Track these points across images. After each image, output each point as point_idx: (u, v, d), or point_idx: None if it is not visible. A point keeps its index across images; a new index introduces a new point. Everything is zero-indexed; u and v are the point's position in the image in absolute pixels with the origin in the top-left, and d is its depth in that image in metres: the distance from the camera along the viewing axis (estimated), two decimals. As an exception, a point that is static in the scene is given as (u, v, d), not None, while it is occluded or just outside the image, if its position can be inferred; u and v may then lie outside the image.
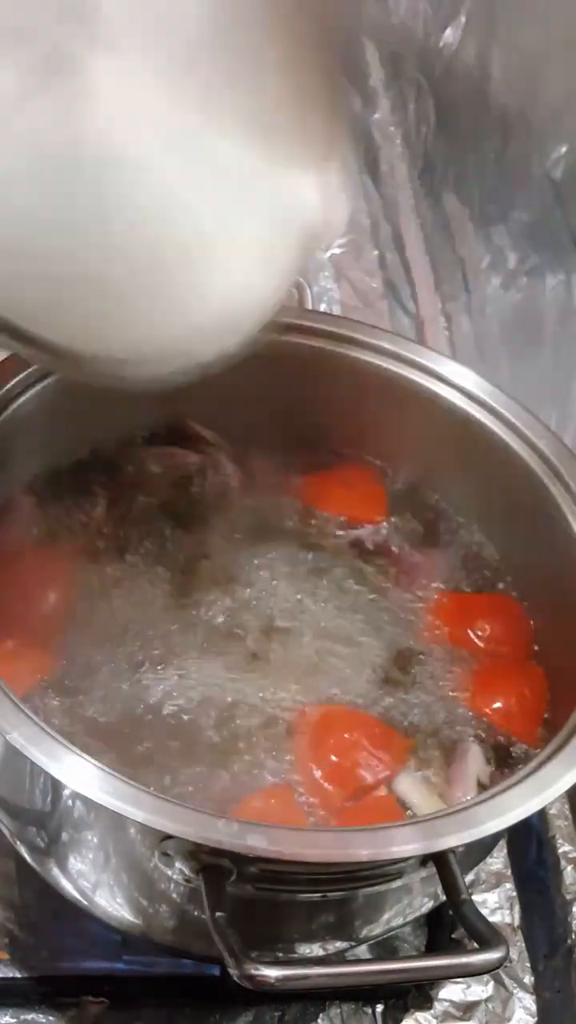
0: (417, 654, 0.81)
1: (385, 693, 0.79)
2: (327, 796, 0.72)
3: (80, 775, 0.61)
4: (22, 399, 0.80)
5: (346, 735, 0.75)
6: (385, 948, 0.83)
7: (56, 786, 0.63)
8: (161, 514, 0.86)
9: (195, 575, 0.83)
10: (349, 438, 0.92)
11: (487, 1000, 0.83)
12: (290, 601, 0.82)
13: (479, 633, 0.83)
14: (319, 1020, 0.81)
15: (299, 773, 0.73)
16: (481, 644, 0.83)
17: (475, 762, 0.76)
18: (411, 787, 0.74)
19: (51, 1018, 0.78)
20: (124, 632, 0.78)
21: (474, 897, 0.81)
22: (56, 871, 0.72)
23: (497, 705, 0.79)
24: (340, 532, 0.88)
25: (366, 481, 0.92)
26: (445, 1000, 0.83)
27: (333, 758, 0.74)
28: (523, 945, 0.87)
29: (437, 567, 0.87)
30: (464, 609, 0.84)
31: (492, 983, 0.84)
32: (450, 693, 0.80)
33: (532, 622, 0.85)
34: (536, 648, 0.84)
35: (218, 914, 0.59)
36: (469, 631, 0.83)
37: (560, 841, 0.89)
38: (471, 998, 0.83)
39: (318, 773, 0.73)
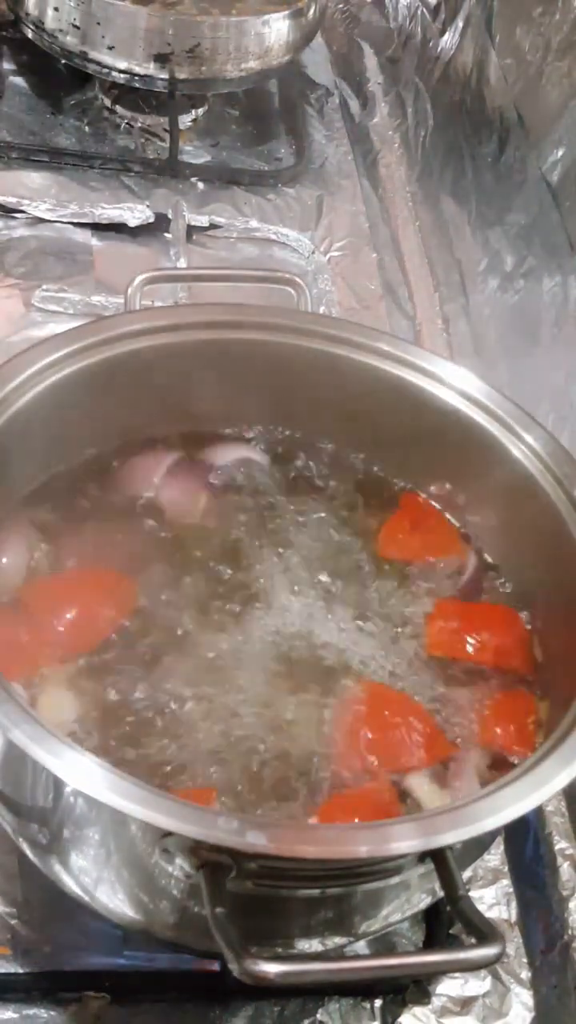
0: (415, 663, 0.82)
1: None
2: (352, 759, 0.74)
3: (81, 772, 0.61)
4: (21, 402, 0.80)
5: (398, 718, 0.77)
6: (383, 943, 0.83)
7: (57, 783, 0.64)
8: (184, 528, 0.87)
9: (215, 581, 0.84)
10: (347, 439, 0.93)
11: (484, 995, 0.84)
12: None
13: (476, 643, 0.83)
14: (318, 1015, 0.81)
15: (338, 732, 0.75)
16: (478, 654, 0.83)
17: (475, 762, 0.77)
18: (422, 781, 0.75)
19: (52, 1013, 0.79)
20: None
21: (471, 893, 0.82)
22: (58, 867, 0.73)
23: (497, 730, 0.79)
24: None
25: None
26: (443, 995, 0.83)
27: (371, 732, 0.76)
28: (520, 941, 0.87)
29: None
30: (461, 619, 0.84)
31: (489, 978, 0.85)
32: (447, 701, 0.80)
33: (529, 622, 0.85)
34: (533, 647, 0.84)
35: (218, 910, 0.59)
36: (466, 641, 0.83)
37: (557, 838, 0.89)
38: (469, 993, 0.84)
39: (357, 736, 0.75)
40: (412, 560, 0.88)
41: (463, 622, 0.84)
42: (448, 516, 0.91)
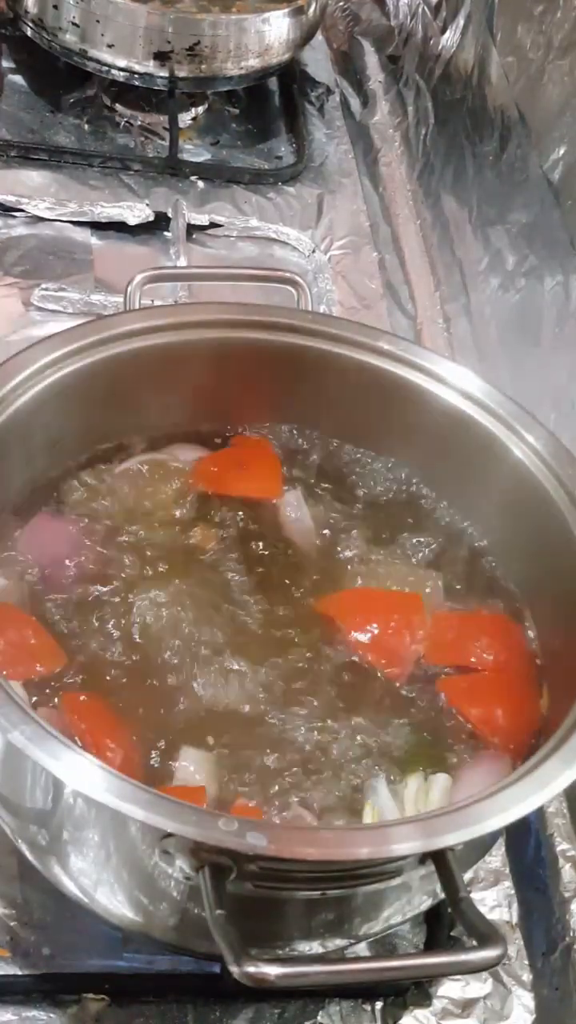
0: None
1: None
2: None
3: (81, 774, 0.61)
4: (20, 401, 0.80)
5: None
6: (384, 945, 0.83)
7: (57, 785, 0.64)
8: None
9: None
10: (348, 439, 0.93)
11: (486, 997, 0.84)
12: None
13: (477, 649, 0.83)
14: (318, 1017, 0.81)
15: None
16: (476, 663, 0.82)
17: (474, 761, 0.77)
18: (387, 797, 0.74)
19: (52, 1015, 0.78)
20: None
21: (473, 895, 0.81)
22: (57, 869, 0.72)
23: (493, 719, 0.79)
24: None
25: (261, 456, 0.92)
26: (444, 997, 0.83)
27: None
28: (521, 943, 0.87)
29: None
30: (459, 629, 0.84)
31: (491, 980, 0.84)
32: (451, 710, 0.80)
33: (530, 621, 0.85)
34: (534, 648, 0.84)
35: (218, 911, 0.59)
36: (466, 648, 0.83)
37: (558, 839, 0.89)
38: (470, 995, 0.83)
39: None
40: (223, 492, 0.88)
41: (461, 632, 0.83)
42: (449, 514, 0.91)
